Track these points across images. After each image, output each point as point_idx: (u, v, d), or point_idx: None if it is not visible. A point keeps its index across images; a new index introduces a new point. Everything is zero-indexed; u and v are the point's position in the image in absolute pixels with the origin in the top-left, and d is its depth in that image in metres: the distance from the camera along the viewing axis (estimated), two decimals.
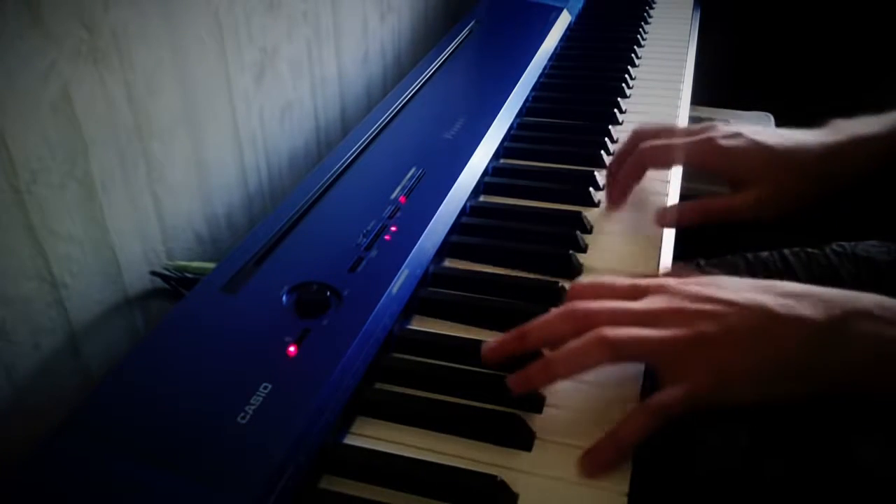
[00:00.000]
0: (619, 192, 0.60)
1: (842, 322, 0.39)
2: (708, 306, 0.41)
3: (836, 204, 0.56)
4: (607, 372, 0.44)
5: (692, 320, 0.41)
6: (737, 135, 0.57)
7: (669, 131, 0.61)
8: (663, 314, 0.41)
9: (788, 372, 0.39)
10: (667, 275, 0.48)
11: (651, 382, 0.43)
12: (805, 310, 0.39)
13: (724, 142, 0.57)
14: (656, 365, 0.41)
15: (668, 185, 0.64)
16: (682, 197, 0.64)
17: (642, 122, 0.64)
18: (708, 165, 0.58)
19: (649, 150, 0.59)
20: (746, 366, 0.39)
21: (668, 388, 0.40)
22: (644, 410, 0.40)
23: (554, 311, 0.44)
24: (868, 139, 0.55)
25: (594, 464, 0.39)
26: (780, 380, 0.39)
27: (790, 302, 0.40)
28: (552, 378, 0.42)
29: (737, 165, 0.56)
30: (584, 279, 0.48)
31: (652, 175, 0.62)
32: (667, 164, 0.61)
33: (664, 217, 0.58)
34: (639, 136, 0.61)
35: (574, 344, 0.41)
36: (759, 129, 0.58)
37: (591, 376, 0.44)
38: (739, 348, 0.39)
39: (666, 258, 0.56)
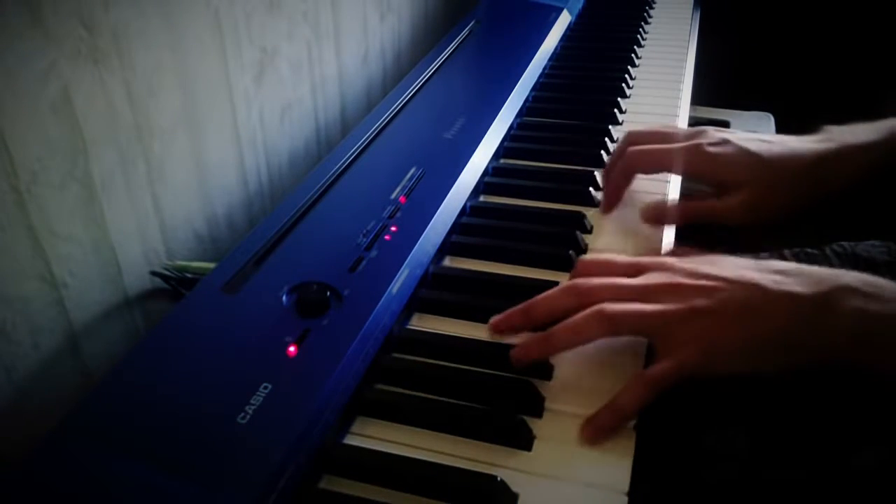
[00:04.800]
0: (610, 195, 0.61)
1: (828, 297, 0.40)
2: (702, 282, 0.43)
3: (831, 207, 0.56)
4: (607, 373, 0.44)
5: (686, 295, 0.43)
6: (725, 141, 0.57)
7: (662, 135, 0.61)
8: (659, 289, 0.44)
9: (775, 345, 0.41)
10: (668, 253, 0.50)
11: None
12: (794, 286, 0.41)
13: (711, 148, 0.57)
14: (651, 338, 0.44)
15: (668, 185, 0.64)
16: (681, 198, 0.64)
17: (638, 127, 0.64)
18: (694, 171, 0.58)
19: (637, 154, 0.59)
20: (735, 339, 0.41)
21: (661, 361, 0.42)
22: (640, 381, 0.42)
23: (558, 286, 0.46)
24: (860, 147, 0.55)
25: (594, 430, 0.41)
26: (767, 353, 0.41)
27: (780, 278, 0.42)
28: (553, 349, 0.44)
29: (722, 172, 0.56)
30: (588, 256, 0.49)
31: (653, 176, 0.62)
32: (654, 169, 0.61)
33: (648, 214, 0.58)
34: (630, 139, 0.62)
35: (574, 318, 0.43)
36: (750, 135, 0.58)
37: (591, 377, 0.44)
38: (729, 322, 0.41)
39: None
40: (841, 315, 0.40)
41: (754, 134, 0.58)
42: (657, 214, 0.58)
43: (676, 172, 0.62)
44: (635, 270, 0.47)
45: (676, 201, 0.60)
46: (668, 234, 0.59)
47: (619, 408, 0.41)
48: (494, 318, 0.47)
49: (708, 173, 0.58)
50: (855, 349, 0.40)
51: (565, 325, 0.44)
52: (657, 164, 0.60)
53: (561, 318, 0.44)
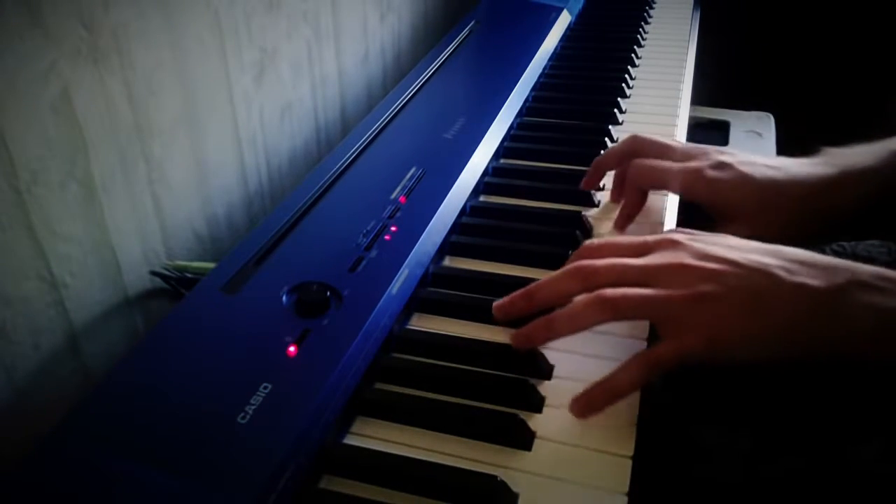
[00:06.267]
0: (630, 210, 0.59)
1: (841, 291, 0.39)
2: (711, 265, 0.42)
3: (832, 233, 0.55)
4: (607, 372, 0.44)
5: (693, 279, 0.41)
6: (724, 166, 0.55)
7: (664, 148, 0.59)
8: (666, 270, 0.42)
9: (784, 337, 0.40)
10: (678, 232, 0.48)
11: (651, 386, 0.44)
12: (807, 277, 0.40)
13: (710, 173, 0.55)
14: (655, 322, 0.43)
15: (667, 199, 0.63)
16: (684, 203, 0.64)
17: (638, 129, 0.63)
18: (692, 195, 0.57)
19: (638, 170, 0.58)
20: (742, 328, 0.40)
21: (663, 343, 0.41)
22: (638, 361, 0.41)
23: (561, 269, 0.45)
24: (859, 173, 0.54)
25: (586, 405, 0.41)
26: (775, 344, 0.40)
27: (794, 267, 0.41)
28: (554, 335, 0.44)
29: (719, 199, 0.55)
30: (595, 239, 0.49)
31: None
32: (653, 187, 0.60)
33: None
34: (635, 145, 0.60)
35: (576, 303, 0.43)
36: (749, 159, 0.56)
37: (591, 377, 0.44)
38: (736, 310, 0.40)
39: None
40: (854, 310, 0.39)
41: (754, 157, 0.57)
42: None
43: (674, 193, 0.61)
44: (642, 249, 0.45)
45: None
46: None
47: (613, 385, 0.41)
48: (497, 303, 0.46)
49: (705, 199, 0.56)
50: (869, 344, 0.39)
51: (565, 310, 0.43)
52: (657, 182, 0.59)
53: (566, 302, 0.44)
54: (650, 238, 0.46)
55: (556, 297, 0.44)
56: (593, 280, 0.43)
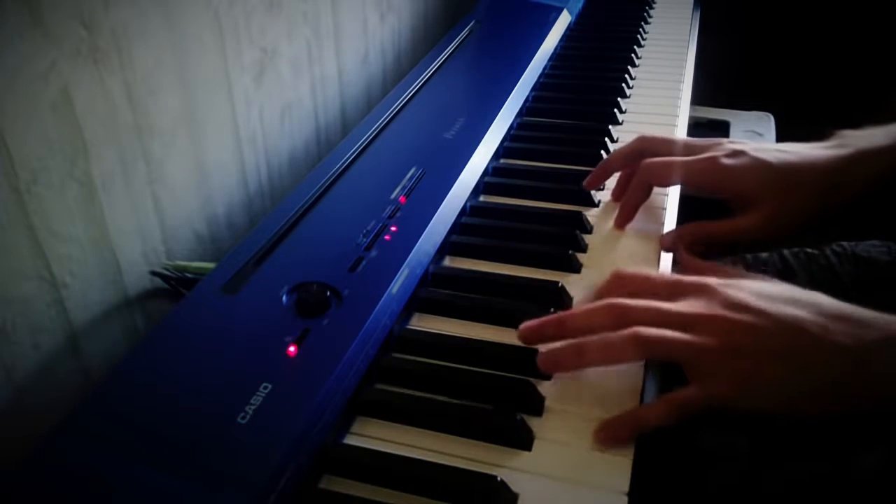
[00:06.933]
0: (628, 210, 0.59)
1: (876, 346, 0.39)
2: (743, 316, 0.41)
3: (847, 213, 0.55)
4: (607, 374, 0.44)
5: (725, 330, 0.41)
6: (739, 153, 0.55)
7: (673, 144, 0.59)
8: (698, 319, 0.42)
9: (812, 392, 0.40)
10: (709, 271, 0.47)
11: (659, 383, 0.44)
12: (839, 335, 0.40)
13: (726, 161, 0.55)
14: (684, 366, 0.42)
15: (667, 198, 0.63)
16: (684, 198, 0.64)
17: (640, 128, 0.63)
18: (710, 185, 0.57)
19: (652, 167, 0.58)
20: (771, 381, 0.40)
21: (693, 387, 0.41)
22: (667, 401, 0.41)
23: (596, 303, 0.45)
24: (874, 152, 0.54)
25: (610, 436, 0.40)
26: (803, 398, 0.40)
27: (827, 323, 0.40)
28: (582, 364, 0.43)
29: (738, 185, 0.55)
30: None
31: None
32: (668, 183, 0.60)
33: (665, 242, 0.57)
34: (643, 145, 0.60)
35: (609, 336, 0.42)
36: (763, 146, 0.56)
37: (591, 377, 0.44)
38: (767, 364, 0.40)
39: (666, 258, 0.56)
40: (884, 369, 0.39)
41: (768, 143, 0.57)
42: (674, 240, 0.57)
43: (692, 186, 0.60)
44: (674, 291, 0.45)
45: (690, 224, 0.58)
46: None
47: (640, 419, 0.41)
48: (524, 325, 0.45)
49: (722, 188, 0.56)
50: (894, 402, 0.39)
51: (600, 342, 0.42)
52: (672, 178, 0.58)
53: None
54: (683, 279, 0.46)
55: (587, 329, 0.44)
56: (627, 319, 0.43)
